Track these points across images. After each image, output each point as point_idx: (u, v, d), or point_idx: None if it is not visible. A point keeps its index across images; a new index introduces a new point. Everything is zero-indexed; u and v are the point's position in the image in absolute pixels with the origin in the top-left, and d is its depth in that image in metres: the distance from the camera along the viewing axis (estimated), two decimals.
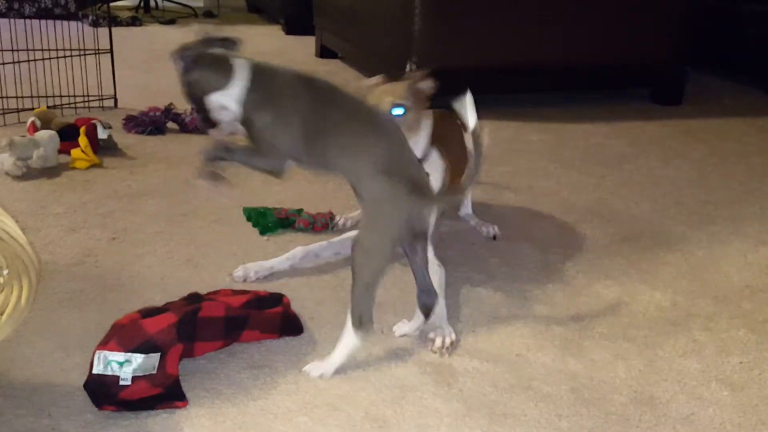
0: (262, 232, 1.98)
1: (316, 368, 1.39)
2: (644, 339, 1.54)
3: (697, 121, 3.22)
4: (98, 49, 3.07)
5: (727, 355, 1.50)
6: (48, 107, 2.81)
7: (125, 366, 1.26)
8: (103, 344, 1.29)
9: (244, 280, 1.71)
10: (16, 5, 5.21)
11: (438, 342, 1.48)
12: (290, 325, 1.51)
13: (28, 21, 3.10)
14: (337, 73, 3.95)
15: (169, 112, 2.81)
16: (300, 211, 2.05)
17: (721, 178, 2.53)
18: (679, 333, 1.57)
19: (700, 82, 3.81)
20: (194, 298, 1.46)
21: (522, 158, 2.65)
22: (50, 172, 2.34)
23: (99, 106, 3.04)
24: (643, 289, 1.75)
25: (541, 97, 3.41)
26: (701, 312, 1.66)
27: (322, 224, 2.01)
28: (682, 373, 1.43)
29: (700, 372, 1.44)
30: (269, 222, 2.00)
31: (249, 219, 2.04)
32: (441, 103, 1.65)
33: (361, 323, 1.36)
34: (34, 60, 2.99)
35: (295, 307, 1.57)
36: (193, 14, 5.77)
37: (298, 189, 2.26)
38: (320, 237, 1.90)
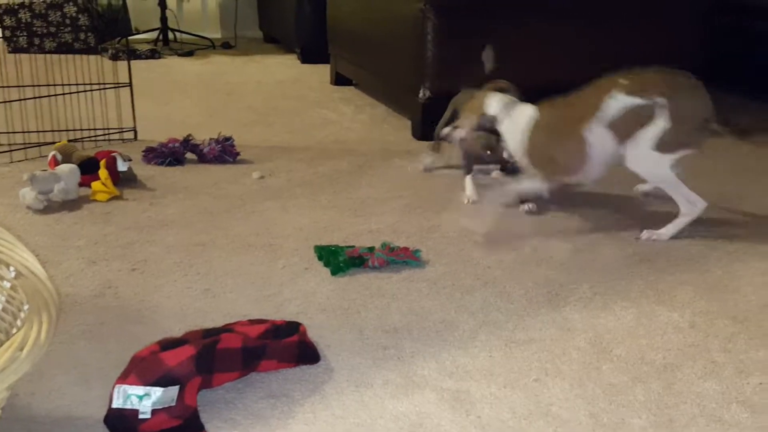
0: (334, 272, 1.90)
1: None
2: (662, 361, 1.54)
3: (712, 139, 3.19)
4: (118, 83, 3.12)
5: (746, 376, 1.49)
6: (69, 141, 2.85)
7: (145, 399, 1.27)
8: (123, 378, 1.30)
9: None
10: (36, 41, 5.32)
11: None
12: (307, 354, 1.52)
13: (48, 56, 3.16)
14: (351, 99, 3.98)
15: (187, 143, 2.85)
16: (372, 249, 1.97)
17: (738, 197, 2.52)
18: (698, 354, 1.56)
19: (716, 100, 3.78)
20: (212, 332, 1.48)
21: None
22: (71, 205, 2.38)
23: (119, 139, 3.08)
24: (661, 311, 1.75)
25: None
26: (720, 333, 1.65)
27: (401, 258, 1.93)
28: (702, 396, 1.42)
29: (720, 394, 1.43)
30: (341, 261, 1.91)
31: (320, 258, 1.97)
32: None
33: None
34: (55, 95, 3.04)
35: (312, 335, 1.58)
36: (210, 46, 5.84)
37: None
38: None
